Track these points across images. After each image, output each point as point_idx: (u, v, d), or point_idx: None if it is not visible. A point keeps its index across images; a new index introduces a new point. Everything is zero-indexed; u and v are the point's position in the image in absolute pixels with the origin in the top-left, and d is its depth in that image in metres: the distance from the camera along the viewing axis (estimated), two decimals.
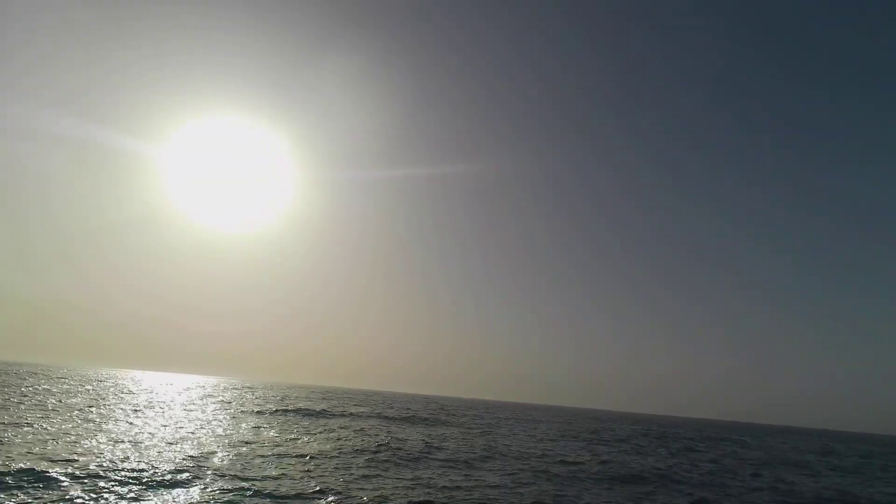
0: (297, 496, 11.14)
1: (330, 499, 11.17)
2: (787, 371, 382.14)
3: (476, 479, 14.80)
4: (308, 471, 14.02)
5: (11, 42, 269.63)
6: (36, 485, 10.06)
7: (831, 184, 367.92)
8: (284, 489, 11.55)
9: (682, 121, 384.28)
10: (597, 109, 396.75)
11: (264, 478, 12.55)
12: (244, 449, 16.71)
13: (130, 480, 11.15)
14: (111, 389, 45.96)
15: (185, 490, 10.83)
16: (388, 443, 21.04)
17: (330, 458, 16.43)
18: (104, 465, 12.26)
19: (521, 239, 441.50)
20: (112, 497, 9.79)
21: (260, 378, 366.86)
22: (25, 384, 41.22)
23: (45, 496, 9.46)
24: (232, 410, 32.35)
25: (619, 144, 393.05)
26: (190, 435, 18.85)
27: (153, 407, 30.02)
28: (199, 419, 25.16)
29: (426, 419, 38.98)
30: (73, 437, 15.94)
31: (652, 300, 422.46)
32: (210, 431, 20.43)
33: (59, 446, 14.19)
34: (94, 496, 9.68)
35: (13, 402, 25.37)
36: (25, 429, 16.79)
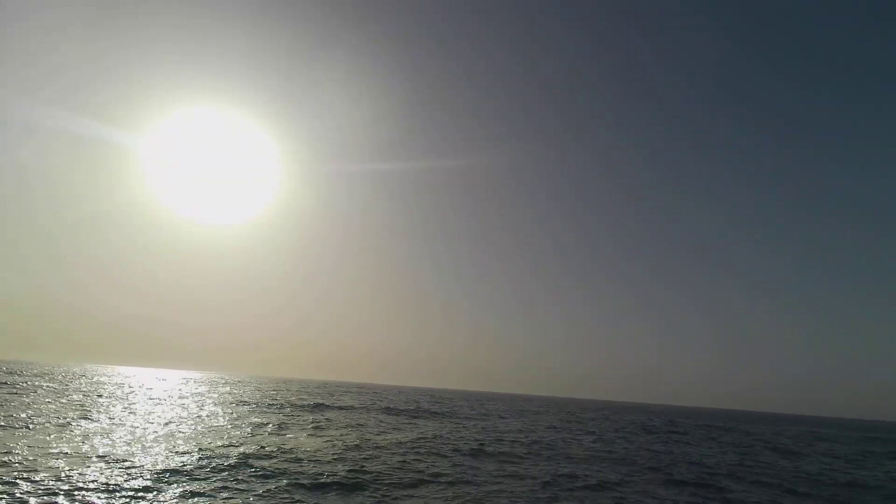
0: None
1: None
2: (774, 361, 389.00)
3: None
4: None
5: None
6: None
7: (823, 180, 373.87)
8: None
9: (674, 115, 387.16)
10: (591, 105, 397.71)
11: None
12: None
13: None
14: (124, 390, 44.73)
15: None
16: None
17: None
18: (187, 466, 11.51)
19: (514, 234, 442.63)
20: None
21: (247, 372, 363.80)
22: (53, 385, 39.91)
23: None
24: (278, 414, 31.44)
25: (613, 141, 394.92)
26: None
27: (171, 404, 29.09)
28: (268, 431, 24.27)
29: (448, 413, 38.48)
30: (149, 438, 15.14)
31: (643, 293, 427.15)
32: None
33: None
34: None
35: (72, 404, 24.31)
36: (122, 429, 15.90)
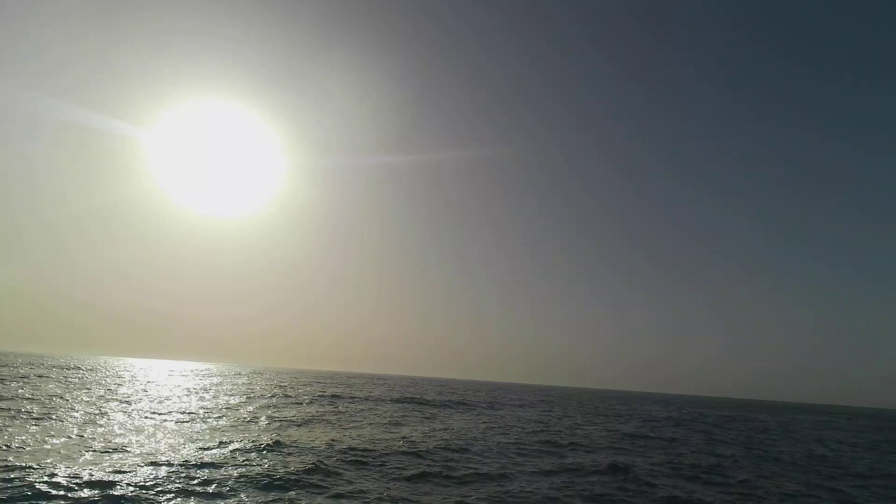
0: None
1: None
2: (777, 349, 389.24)
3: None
4: None
5: None
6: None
7: (834, 168, 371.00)
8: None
9: (680, 105, 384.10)
10: (597, 96, 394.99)
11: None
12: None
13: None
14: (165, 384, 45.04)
15: None
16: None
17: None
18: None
19: (519, 225, 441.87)
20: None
21: (256, 363, 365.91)
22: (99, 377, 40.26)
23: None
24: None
25: (618, 132, 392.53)
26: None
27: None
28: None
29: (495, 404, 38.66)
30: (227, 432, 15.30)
31: (649, 283, 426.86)
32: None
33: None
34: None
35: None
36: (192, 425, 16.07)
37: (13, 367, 51.82)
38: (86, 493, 8.35)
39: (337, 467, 11.94)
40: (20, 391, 24.91)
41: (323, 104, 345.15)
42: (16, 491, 8.19)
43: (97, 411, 19.09)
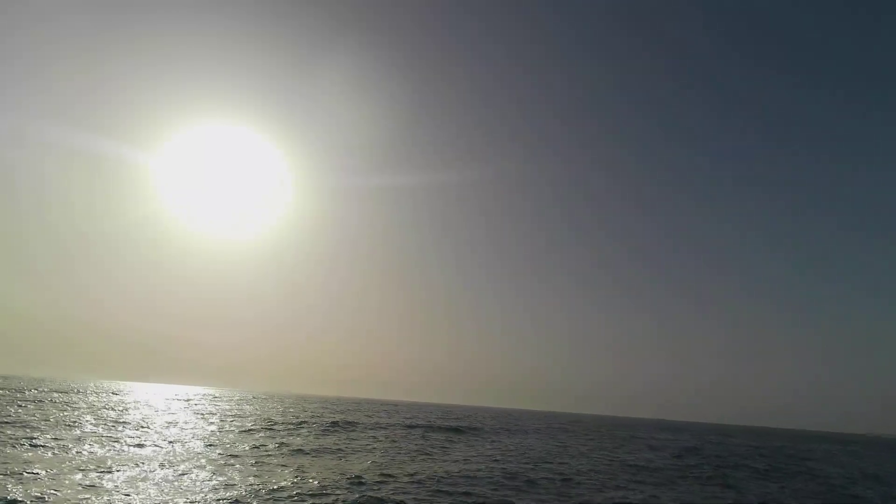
0: None
1: None
2: (790, 374, 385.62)
3: None
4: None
5: (5, 51, 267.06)
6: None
7: (829, 185, 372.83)
8: None
9: (680, 123, 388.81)
10: (594, 113, 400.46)
11: None
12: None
13: None
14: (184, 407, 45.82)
15: None
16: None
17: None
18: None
19: (523, 246, 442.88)
20: None
21: (260, 388, 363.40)
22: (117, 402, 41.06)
23: None
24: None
25: (617, 148, 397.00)
26: None
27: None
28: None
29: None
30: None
31: (652, 303, 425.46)
32: None
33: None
34: None
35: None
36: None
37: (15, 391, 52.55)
38: None
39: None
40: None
41: (328, 126, 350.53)
42: None
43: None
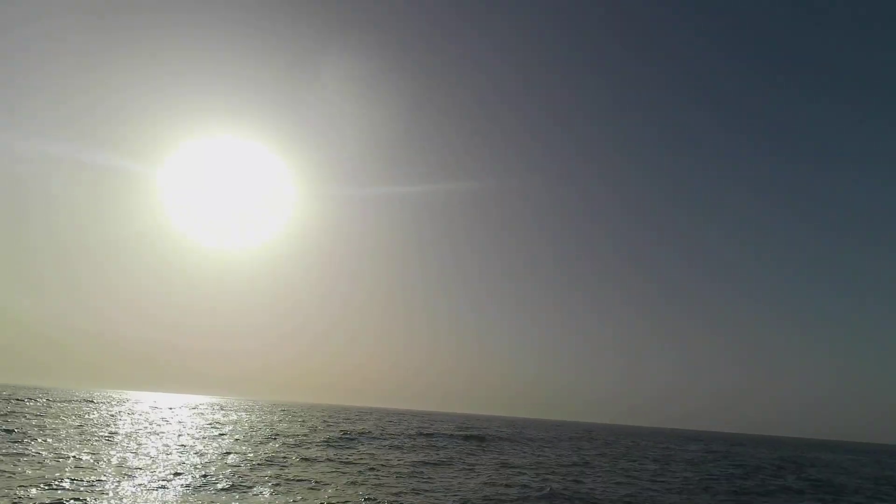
0: None
1: None
2: (794, 380, 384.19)
3: None
4: None
5: (7, 64, 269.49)
6: None
7: (830, 190, 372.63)
8: None
9: (681, 129, 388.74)
10: (594, 122, 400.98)
11: None
12: None
13: None
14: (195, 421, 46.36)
15: None
16: None
17: None
18: None
19: (523, 251, 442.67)
20: None
21: (264, 397, 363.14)
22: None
23: None
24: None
25: (615, 156, 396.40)
26: None
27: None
28: None
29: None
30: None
31: (653, 311, 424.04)
32: None
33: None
34: None
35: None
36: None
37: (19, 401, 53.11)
38: None
39: None
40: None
41: (330, 134, 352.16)
42: None
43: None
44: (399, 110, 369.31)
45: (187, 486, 14.07)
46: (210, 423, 39.45)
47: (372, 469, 19.68)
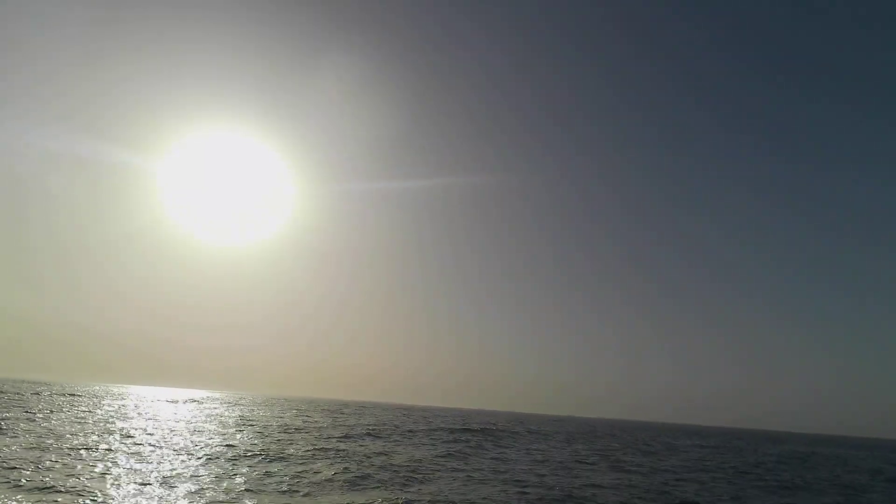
0: None
1: None
2: (791, 376, 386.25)
3: None
4: None
5: (6, 58, 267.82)
6: None
7: (830, 190, 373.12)
8: None
9: (681, 128, 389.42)
10: (594, 121, 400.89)
11: None
12: None
13: None
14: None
15: None
16: None
17: None
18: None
19: (523, 252, 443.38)
20: None
21: (263, 392, 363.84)
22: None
23: None
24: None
25: (615, 154, 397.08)
26: None
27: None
28: None
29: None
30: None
31: (652, 308, 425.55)
32: None
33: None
34: None
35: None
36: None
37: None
38: None
39: None
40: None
41: (330, 130, 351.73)
42: None
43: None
44: (399, 106, 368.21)
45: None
46: (239, 419, 39.58)
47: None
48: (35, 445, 17.16)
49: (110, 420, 29.01)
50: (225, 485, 13.38)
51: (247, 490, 13.01)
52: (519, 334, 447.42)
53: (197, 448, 19.63)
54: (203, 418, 36.79)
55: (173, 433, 24.55)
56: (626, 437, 56.01)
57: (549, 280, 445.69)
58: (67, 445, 17.57)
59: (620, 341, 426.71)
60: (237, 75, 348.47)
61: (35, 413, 29.62)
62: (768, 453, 42.69)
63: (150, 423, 29.51)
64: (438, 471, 18.28)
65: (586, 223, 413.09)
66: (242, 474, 14.93)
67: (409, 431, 35.19)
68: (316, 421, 41.15)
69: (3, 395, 45.94)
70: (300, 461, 18.24)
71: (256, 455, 18.67)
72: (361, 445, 24.19)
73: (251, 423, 34.76)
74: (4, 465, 13.62)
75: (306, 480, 14.73)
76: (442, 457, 22.37)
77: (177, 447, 19.57)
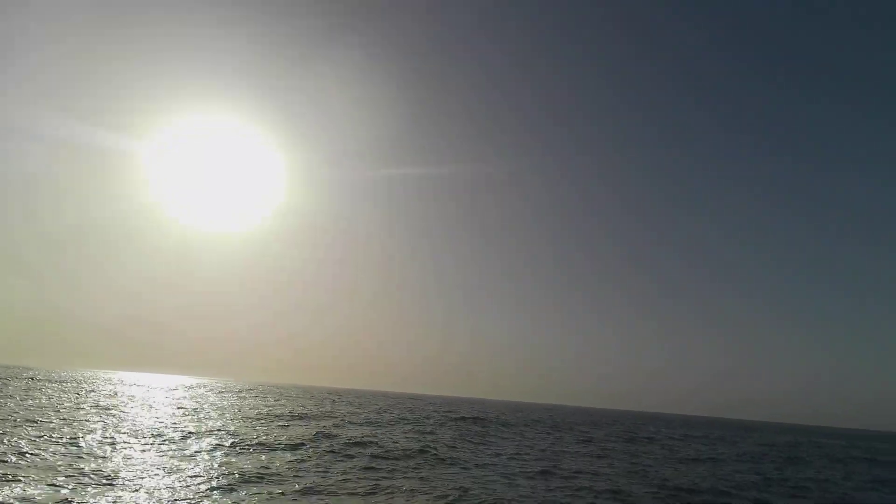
0: None
1: None
2: (776, 367, 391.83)
3: None
4: None
5: None
6: None
7: (830, 190, 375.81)
8: None
9: (677, 127, 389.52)
10: (594, 121, 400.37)
11: None
12: None
13: None
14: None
15: None
16: None
17: None
18: None
19: (516, 241, 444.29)
20: None
21: (251, 378, 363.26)
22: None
23: None
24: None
25: (612, 149, 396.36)
26: None
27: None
28: None
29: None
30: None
31: (643, 299, 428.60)
32: None
33: None
34: None
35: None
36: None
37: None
38: None
39: None
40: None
41: (321, 118, 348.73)
42: None
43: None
44: (396, 99, 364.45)
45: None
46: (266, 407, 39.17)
47: None
48: None
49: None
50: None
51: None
52: (513, 322, 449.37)
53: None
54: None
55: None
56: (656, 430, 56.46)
57: (547, 279, 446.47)
58: None
59: (620, 340, 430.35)
60: (230, 57, 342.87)
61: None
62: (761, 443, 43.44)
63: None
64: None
65: (581, 218, 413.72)
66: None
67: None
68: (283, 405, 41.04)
69: None
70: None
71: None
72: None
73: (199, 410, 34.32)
74: None
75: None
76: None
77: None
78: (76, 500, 9.73)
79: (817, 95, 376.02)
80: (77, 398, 32.71)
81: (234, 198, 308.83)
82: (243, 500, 10.72)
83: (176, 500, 10.18)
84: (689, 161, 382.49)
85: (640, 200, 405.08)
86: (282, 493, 11.53)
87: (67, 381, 60.42)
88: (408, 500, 11.85)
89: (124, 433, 18.84)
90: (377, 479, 13.62)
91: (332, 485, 12.65)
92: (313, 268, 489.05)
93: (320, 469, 14.62)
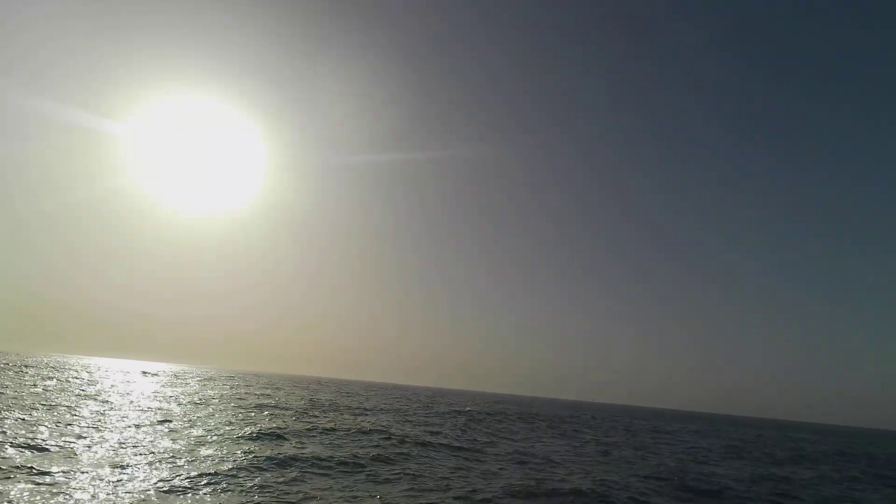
0: None
1: None
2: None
3: None
4: None
5: None
6: None
7: (829, 189, 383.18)
8: None
9: (673, 128, 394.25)
10: (583, 106, 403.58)
11: None
12: None
13: None
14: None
15: None
16: None
17: None
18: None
19: (500, 230, 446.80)
20: None
21: (232, 367, 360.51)
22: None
23: None
24: None
25: (602, 143, 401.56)
26: None
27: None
28: None
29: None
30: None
31: (627, 295, 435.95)
32: None
33: None
34: None
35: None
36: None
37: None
38: None
39: None
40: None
41: (309, 104, 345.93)
42: None
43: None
44: (391, 80, 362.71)
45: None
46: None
47: None
48: None
49: None
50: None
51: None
52: (492, 313, 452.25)
53: None
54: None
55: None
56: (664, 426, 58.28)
57: (523, 258, 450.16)
58: None
59: (590, 323, 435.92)
60: (216, 38, 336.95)
61: None
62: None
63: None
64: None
65: (576, 215, 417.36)
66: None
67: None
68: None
69: None
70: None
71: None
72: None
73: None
74: None
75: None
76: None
77: None
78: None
79: (817, 95, 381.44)
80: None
81: (221, 183, 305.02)
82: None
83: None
84: (686, 161, 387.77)
85: (642, 202, 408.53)
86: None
87: (39, 367, 59.63)
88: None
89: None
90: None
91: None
92: (298, 255, 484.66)
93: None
